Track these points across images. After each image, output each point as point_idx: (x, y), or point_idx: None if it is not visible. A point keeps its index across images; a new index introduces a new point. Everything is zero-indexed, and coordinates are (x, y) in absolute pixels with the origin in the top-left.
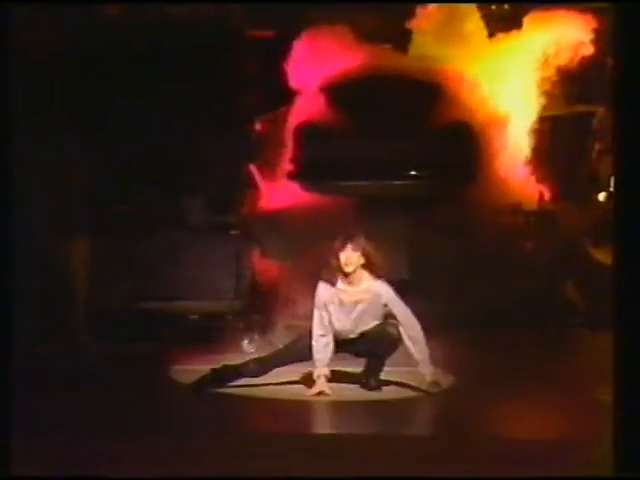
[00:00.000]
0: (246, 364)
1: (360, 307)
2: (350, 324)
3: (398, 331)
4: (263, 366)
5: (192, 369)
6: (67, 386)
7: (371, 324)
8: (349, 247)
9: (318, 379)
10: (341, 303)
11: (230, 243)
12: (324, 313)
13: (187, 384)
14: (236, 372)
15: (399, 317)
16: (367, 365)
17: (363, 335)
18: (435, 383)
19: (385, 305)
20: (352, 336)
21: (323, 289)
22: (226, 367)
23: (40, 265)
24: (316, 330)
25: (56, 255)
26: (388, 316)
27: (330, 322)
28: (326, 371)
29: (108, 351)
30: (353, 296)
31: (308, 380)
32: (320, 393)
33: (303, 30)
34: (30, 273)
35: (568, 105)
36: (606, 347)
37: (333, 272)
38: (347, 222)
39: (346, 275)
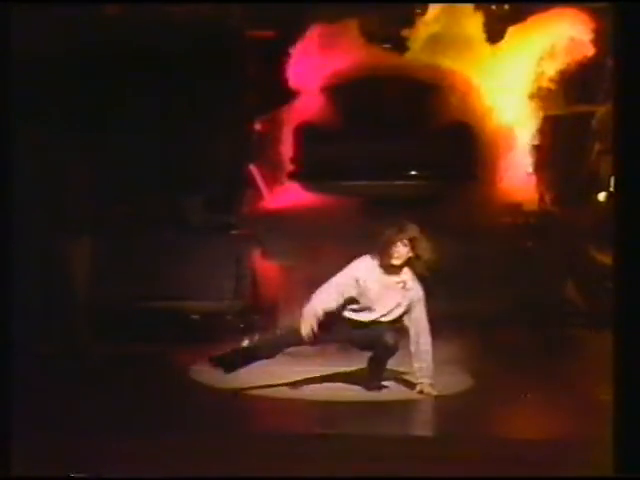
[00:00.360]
0: (259, 346)
1: (385, 298)
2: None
3: (395, 340)
4: (276, 346)
5: (193, 369)
6: (67, 386)
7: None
8: (400, 241)
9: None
10: (371, 288)
11: (230, 243)
12: (349, 289)
13: (210, 358)
14: (252, 354)
15: (416, 324)
16: (368, 366)
17: (365, 325)
18: (428, 394)
19: (407, 306)
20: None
21: (365, 267)
22: (244, 349)
23: (40, 265)
24: (324, 301)
25: (56, 255)
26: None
27: (344, 304)
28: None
29: (108, 351)
30: (386, 285)
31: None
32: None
33: (303, 30)
34: (30, 273)
35: (568, 105)
36: (606, 347)
37: (387, 261)
38: (347, 222)
39: (391, 266)
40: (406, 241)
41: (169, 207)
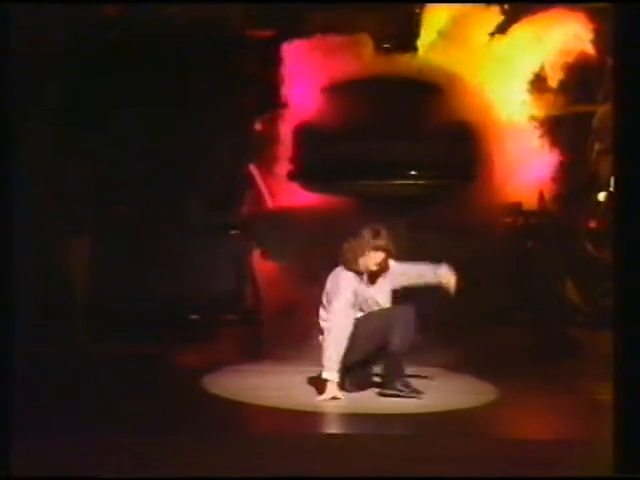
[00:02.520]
0: None
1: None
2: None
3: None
4: None
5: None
6: (67, 386)
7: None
8: (375, 248)
9: (331, 385)
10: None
11: (230, 243)
12: (352, 299)
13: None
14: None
15: (415, 273)
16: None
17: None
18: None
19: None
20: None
21: (351, 278)
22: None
23: (40, 265)
24: (340, 329)
25: (56, 255)
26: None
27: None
28: (337, 377)
29: (108, 351)
30: (372, 292)
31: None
32: (333, 398)
33: (303, 30)
34: (30, 273)
35: (568, 105)
36: (606, 347)
37: (358, 267)
38: (347, 222)
39: (369, 272)
40: (380, 245)
41: (169, 207)
